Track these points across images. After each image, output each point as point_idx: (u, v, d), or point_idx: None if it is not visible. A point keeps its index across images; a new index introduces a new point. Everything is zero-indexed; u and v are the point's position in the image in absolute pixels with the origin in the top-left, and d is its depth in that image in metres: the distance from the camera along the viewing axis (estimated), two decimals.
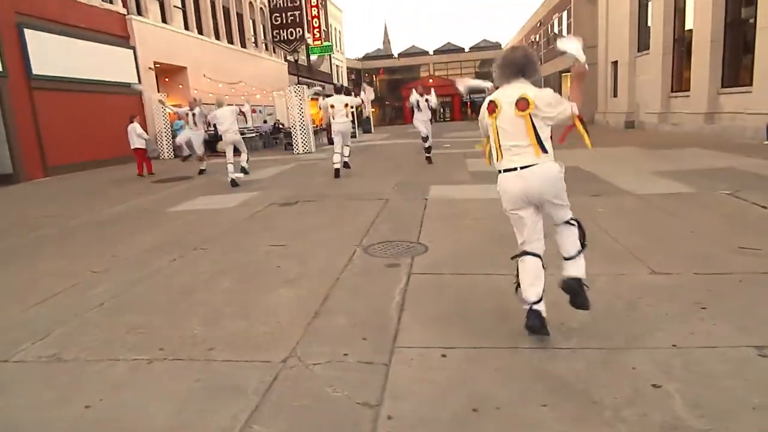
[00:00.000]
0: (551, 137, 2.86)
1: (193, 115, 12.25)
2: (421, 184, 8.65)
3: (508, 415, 2.28)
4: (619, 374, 2.54)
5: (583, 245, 2.97)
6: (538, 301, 2.87)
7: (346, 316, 3.45)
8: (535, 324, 2.84)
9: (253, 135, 21.59)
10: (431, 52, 58.87)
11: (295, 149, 18.04)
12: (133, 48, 18.18)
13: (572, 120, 2.80)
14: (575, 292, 2.93)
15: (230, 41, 26.60)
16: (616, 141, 14.18)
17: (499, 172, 2.94)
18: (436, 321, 3.31)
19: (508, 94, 2.86)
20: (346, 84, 53.18)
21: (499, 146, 2.89)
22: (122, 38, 17.86)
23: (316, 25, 35.15)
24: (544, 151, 2.80)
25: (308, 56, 38.19)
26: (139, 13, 19.14)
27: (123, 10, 17.89)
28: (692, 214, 5.71)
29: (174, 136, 17.96)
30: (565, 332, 2.99)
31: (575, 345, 2.87)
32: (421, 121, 11.78)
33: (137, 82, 18.28)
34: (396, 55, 60.09)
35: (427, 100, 11.82)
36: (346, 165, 10.69)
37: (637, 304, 3.36)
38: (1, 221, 8.17)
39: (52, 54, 14.34)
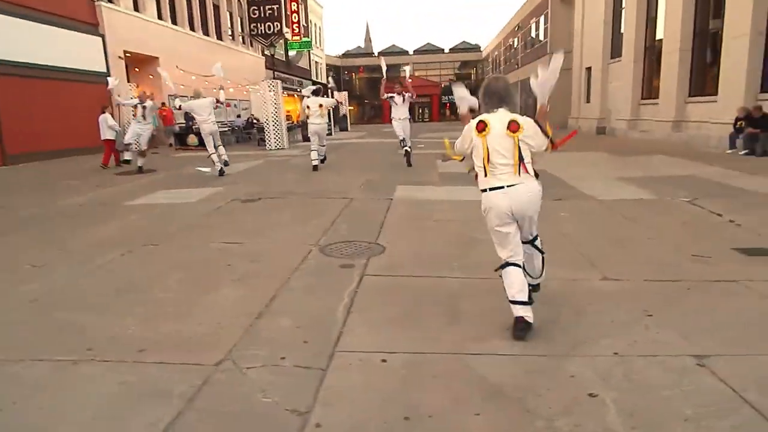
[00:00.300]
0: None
1: (143, 107, 11.89)
2: (388, 183, 8.56)
3: (439, 423, 2.21)
4: (558, 382, 2.50)
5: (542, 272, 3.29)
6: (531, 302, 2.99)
7: (291, 318, 3.33)
8: (522, 335, 2.93)
9: (226, 129, 21.20)
10: (411, 52, 58.92)
11: (267, 145, 17.77)
12: (102, 36, 17.64)
13: (549, 149, 3.04)
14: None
15: (206, 33, 26.08)
16: (587, 146, 14.35)
17: (484, 191, 3.01)
18: (383, 325, 3.22)
19: (496, 117, 3.02)
20: (327, 81, 53.07)
21: (488, 164, 2.98)
22: (91, 25, 17.30)
23: (295, 21, 34.85)
24: (527, 171, 2.96)
25: (287, 51, 37.82)
26: (110, 0, 18.58)
27: None
28: (652, 221, 5.76)
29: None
30: (509, 338, 2.93)
31: (518, 352, 2.82)
32: (398, 120, 11.24)
33: (105, 70, 17.79)
34: (376, 54, 59.95)
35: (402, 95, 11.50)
36: (322, 161, 11.27)
37: (585, 311, 3.33)
38: None
39: (13, 38, 13.78)
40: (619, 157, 12.34)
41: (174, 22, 23.07)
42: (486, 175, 2.98)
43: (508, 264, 3.00)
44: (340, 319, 3.30)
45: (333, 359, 2.79)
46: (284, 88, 34.40)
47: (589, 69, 23.64)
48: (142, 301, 3.68)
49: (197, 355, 2.86)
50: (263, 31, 30.04)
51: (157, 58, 20.89)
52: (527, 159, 2.96)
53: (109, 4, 18.25)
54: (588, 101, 24.05)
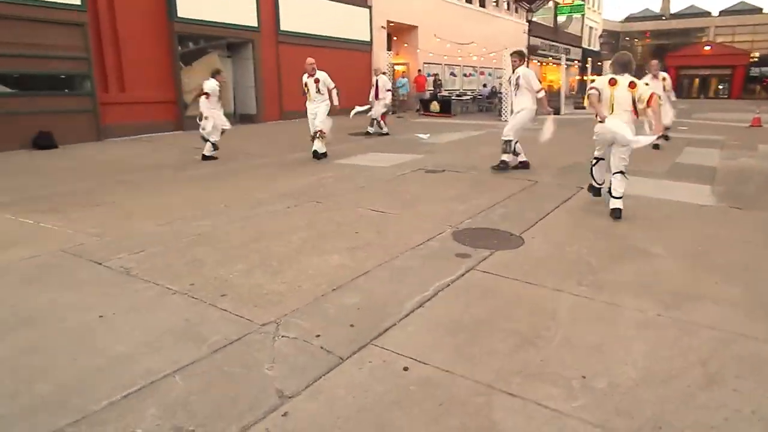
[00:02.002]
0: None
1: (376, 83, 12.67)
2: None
3: None
4: None
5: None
6: (602, 184, 5.38)
7: (361, 297, 3.25)
8: (598, 195, 5.46)
9: (468, 98, 21.44)
10: (715, 13, 48.54)
11: (503, 116, 17.28)
12: (369, 7, 19.51)
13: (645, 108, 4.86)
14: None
15: (468, 0, 26.36)
16: None
17: (601, 121, 4.92)
18: (441, 329, 2.86)
19: (622, 78, 4.92)
20: (599, 48, 47.88)
21: (612, 106, 4.92)
22: None
23: None
24: (635, 114, 4.93)
25: (555, 16, 35.53)
26: None
27: None
28: None
29: (394, 95, 19.02)
30: (571, 391, 2.27)
31: (569, 412, 2.16)
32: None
33: (369, 39, 19.74)
34: (664, 16, 51.39)
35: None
36: None
37: None
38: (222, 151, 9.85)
39: (297, 13, 16.40)
40: None
41: None
42: (612, 113, 4.92)
43: (598, 159, 5.35)
44: (404, 311, 3.06)
45: (359, 352, 2.62)
46: (545, 56, 32.61)
47: None
48: (259, 250, 4.08)
49: (256, 312, 3.05)
50: None
51: (415, 27, 22.18)
52: (635, 107, 4.88)
53: None
54: None
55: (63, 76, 11.30)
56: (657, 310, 3.06)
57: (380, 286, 3.45)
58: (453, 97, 20.42)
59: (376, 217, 5.07)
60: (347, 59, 18.34)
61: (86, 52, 11.42)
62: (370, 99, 13.08)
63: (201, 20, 13.67)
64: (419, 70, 22.50)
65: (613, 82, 4.89)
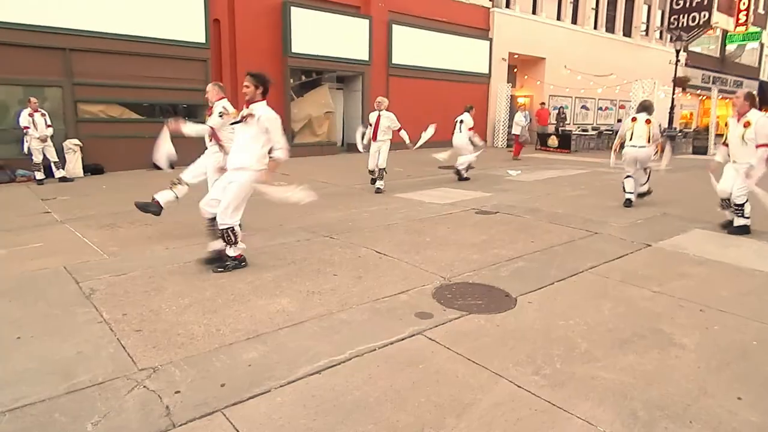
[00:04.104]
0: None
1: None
2: (685, 221, 6.08)
3: None
4: None
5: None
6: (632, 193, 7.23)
7: (266, 352, 2.90)
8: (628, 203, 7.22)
9: (592, 134, 19.70)
10: None
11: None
12: (490, 40, 19.04)
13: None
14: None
15: (610, 30, 24.43)
16: None
17: (622, 146, 7.21)
18: (313, 408, 2.40)
19: (640, 115, 7.16)
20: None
21: (632, 136, 7.08)
22: (481, 30, 18.94)
23: (743, 7, 28.45)
24: (649, 142, 7.01)
25: (723, 45, 31.43)
26: (507, 5, 19.77)
27: (488, 4, 18.87)
28: None
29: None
30: None
31: None
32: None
33: (488, 72, 19.22)
34: None
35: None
36: (643, 195, 7.56)
37: None
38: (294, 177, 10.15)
39: (410, 45, 16.58)
40: None
41: (574, 21, 22.57)
42: (630, 140, 7.10)
43: (629, 176, 7.22)
44: (291, 377, 2.65)
45: (199, 420, 2.29)
46: (704, 89, 28.86)
47: None
48: (222, 286, 3.95)
49: (149, 354, 2.88)
50: (685, 24, 25.72)
51: (542, 58, 21.09)
52: (651, 137, 6.99)
53: (503, 10, 19.43)
54: None
55: (184, 105, 12.72)
56: (615, 429, 2.24)
57: (297, 340, 3.06)
58: (575, 132, 18.88)
59: (372, 260, 4.65)
60: (462, 91, 18.03)
61: (206, 84, 12.71)
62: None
63: (313, 55, 14.49)
64: (542, 104, 21.26)
65: (634, 120, 7.23)
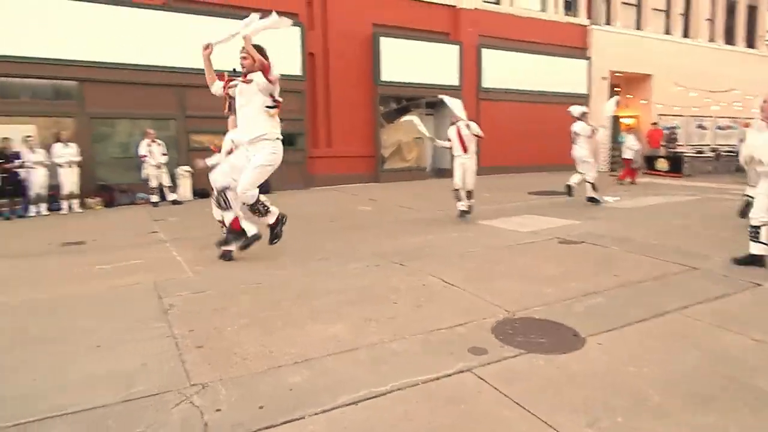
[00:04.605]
0: None
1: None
2: None
3: None
4: None
5: None
6: None
7: (310, 377, 2.92)
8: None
9: (709, 156, 17.83)
10: None
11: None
12: (588, 59, 18.18)
13: None
14: None
15: (729, 41, 22.26)
16: None
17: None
18: None
19: None
20: None
21: None
22: (579, 49, 18.16)
23: None
24: None
25: None
26: (608, 22, 18.82)
27: (586, 21, 18.09)
28: None
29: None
30: None
31: None
32: None
33: (586, 92, 18.31)
34: None
35: None
36: None
37: None
38: (380, 204, 10.32)
39: (502, 69, 16.32)
40: None
41: (685, 34, 20.90)
42: None
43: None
44: (327, 405, 2.62)
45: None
46: None
47: None
48: (282, 308, 4.07)
49: (203, 370, 3.03)
50: None
51: (649, 75, 19.70)
52: None
53: (603, 27, 18.51)
54: None
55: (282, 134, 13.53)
56: None
57: (343, 368, 3.04)
58: (687, 154, 17.26)
59: (436, 289, 4.53)
60: (557, 113, 17.21)
61: (301, 113, 13.50)
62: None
63: (402, 82, 14.79)
64: (654, 123, 19.73)
65: None
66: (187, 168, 11.93)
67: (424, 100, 15.85)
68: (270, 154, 4.74)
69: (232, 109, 5.23)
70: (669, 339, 3.42)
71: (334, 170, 14.21)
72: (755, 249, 5.01)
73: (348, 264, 5.47)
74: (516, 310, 3.96)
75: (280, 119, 12.83)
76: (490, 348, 3.29)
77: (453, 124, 8.37)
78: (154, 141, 11.00)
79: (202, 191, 12.14)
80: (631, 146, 14.21)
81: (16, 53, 10.11)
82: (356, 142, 14.58)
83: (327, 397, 2.70)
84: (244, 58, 4.54)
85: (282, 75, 12.73)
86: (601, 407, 2.59)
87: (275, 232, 4.64)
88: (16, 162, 9.53)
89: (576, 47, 18.13)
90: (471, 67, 16.00)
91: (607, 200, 10.07)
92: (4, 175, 9.34)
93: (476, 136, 8.22)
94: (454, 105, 8.35)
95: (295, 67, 13.18)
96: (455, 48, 15.65)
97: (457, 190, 8.27)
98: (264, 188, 12.48)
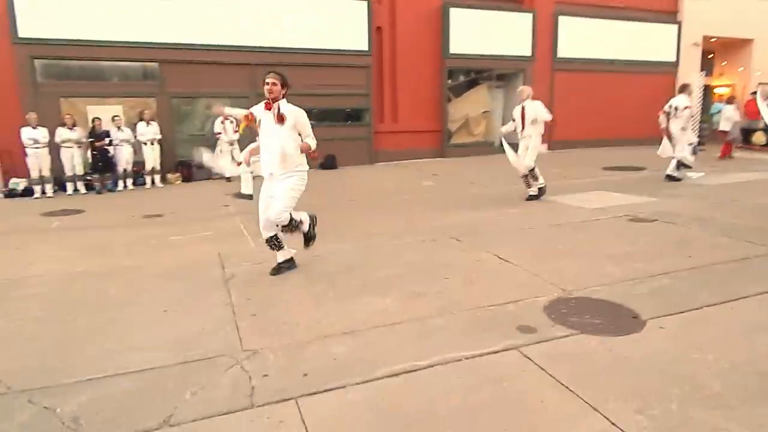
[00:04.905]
0: None
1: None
2: None
3: None
4: None
5: None
6: None
7: (354, 348, 2.99)
8: None
9: None
10: None
11: None
12: (678, 23, 16.65)
13: None
14: None
15: None
16: None
17: None
18: (372, 417, 2.40)
19: None
20: None
21: None
22: (667, 13, 16.66)
23: None
24: None
25: None
26: None
27: None
28: None
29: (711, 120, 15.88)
30: None
31: None
32: None
33: (675, 59, 16.87)
34: None
35: None
36: None
37: None
38: (444, 178, 10.17)
39: (578, 36, 15.34)
40: None
41: None
42: None
43: None
44: (364, 377, 2.67)
45: (277, 404, 2.46)
46: None
47: None
48: (337, 282, 4.16)
49: (256, 338, 3.18)
50: None
51: (750, 40, 17.78)
52: None
53: None
54: None
55: (348, 110, 13.66)
56: None
57: (387, 341, 3.08)
58: None
59: (490, 266, 4.43)
60: (640, 83, 16.21)
61: (367, 89, 13.52)
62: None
63: (472, 54, 14.34)
64: (753, 93, 17.86)
65: None
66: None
67: (494, 72, 15.30)
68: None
69: None
70: (740, 326, 3.14)
71: (400, 146, 14.16)
72: None
73: (404, 238, 5.48)
74: (572, 289, 3.80)
75: (346, 94, 12.56)
76: (540, 327, 3.19)
77: (519, 104, 7.78)
78: (227, 118, 11.47)
79: None
80: (730, 117, 13.12)
81: (105, 38, 10.85)
82: (422, 117, 14.40)
83: (368, 368, 2.75)
84: (274, 84, 4.11)
85: (348, 50, 12.99)
86: (654, 393, 2.44)
87: (309, 235, 4.49)
88: (106, 140, 10.31)
89: (664, 11, 16.64)
90: (545, 36, 15.18)
91: (690, 176, 9.31)
92: (95, 152, 10.15)
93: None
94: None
95: (361, 42, 13.15)
96: (528, 16, 14.89)
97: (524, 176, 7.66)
98: (330, 164, 12.90)
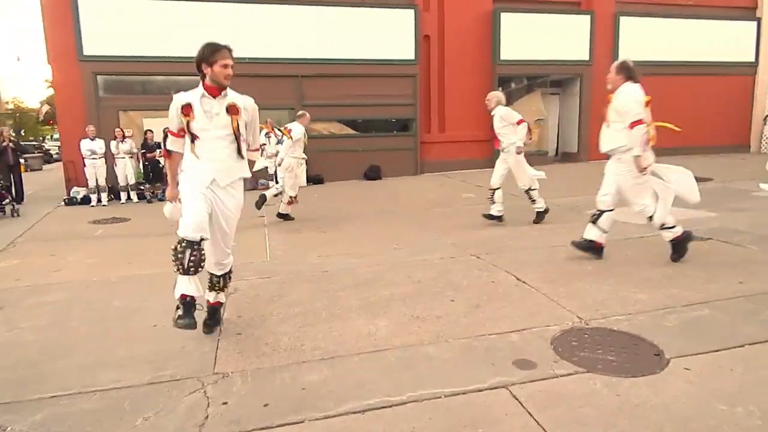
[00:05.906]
0: None
1: None
2: None
3: None
4: None
5: None
6: None
7: (327, 377, 2.75)
8: None
9: None
10: None
11: None
12: (758, 19, 15.20)
13: None
14: None
15: None
16: None
17: None
18: None
19: None
20: None
21: None
22: (744, 9, 15.26)
23: None
24: None
25: None
26: None
27: None
28: None
29: None
30: None
31: None
32: None
33: (754, 60, 15.40)
34: None
35: None
36: None
37: None
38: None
39: (642, 38, 14.31)
40: None
41: None
42: None
43: None
44: (330, 412, 2.43)
45: None
46: None
47: None
48: (336, 299, 3.95)
49: (232, 359, 3.03)
50: None
51: None
52: None
53: None
54: None
55: (393, 120, 13.51)
56: None
57: (364, 370, 2.82)
58: None
59: (505, 288, 4.05)
60: (713, 86, 14.94)
61: (414, 98, 13.31)
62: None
63: (524, 60, 13.78)
64: None
65: None
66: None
67: (548, 78, 14.63)
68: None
69: None
70: None
71: (447, 156, 13.80)
72: None
73: (422, 254, 5.19)
74: (590, 318, 3.36)
75: (392, 104, 12.16)
76: (541, 362, 2.81)
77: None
78: (272, 130, 11.65)
79: (316, 177, 12.64)
80: None
81: (159, 54, 11.36)
82: (471, 126, 13.95)
83: (334, 401, 2.51)
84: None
85: (394, 60, 12.84)
86: None
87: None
88: (157, 152, 10.74)
89: (740, 7, 15.26)
90: (605, 38, 14.32)
91: (762, 187, 8.33)
92: (147, 163, 10.59)
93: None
94: None
95: (408, 51, 12.98)
96: (586, 18, 14.12)
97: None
98: (375, 175, 12.74)
